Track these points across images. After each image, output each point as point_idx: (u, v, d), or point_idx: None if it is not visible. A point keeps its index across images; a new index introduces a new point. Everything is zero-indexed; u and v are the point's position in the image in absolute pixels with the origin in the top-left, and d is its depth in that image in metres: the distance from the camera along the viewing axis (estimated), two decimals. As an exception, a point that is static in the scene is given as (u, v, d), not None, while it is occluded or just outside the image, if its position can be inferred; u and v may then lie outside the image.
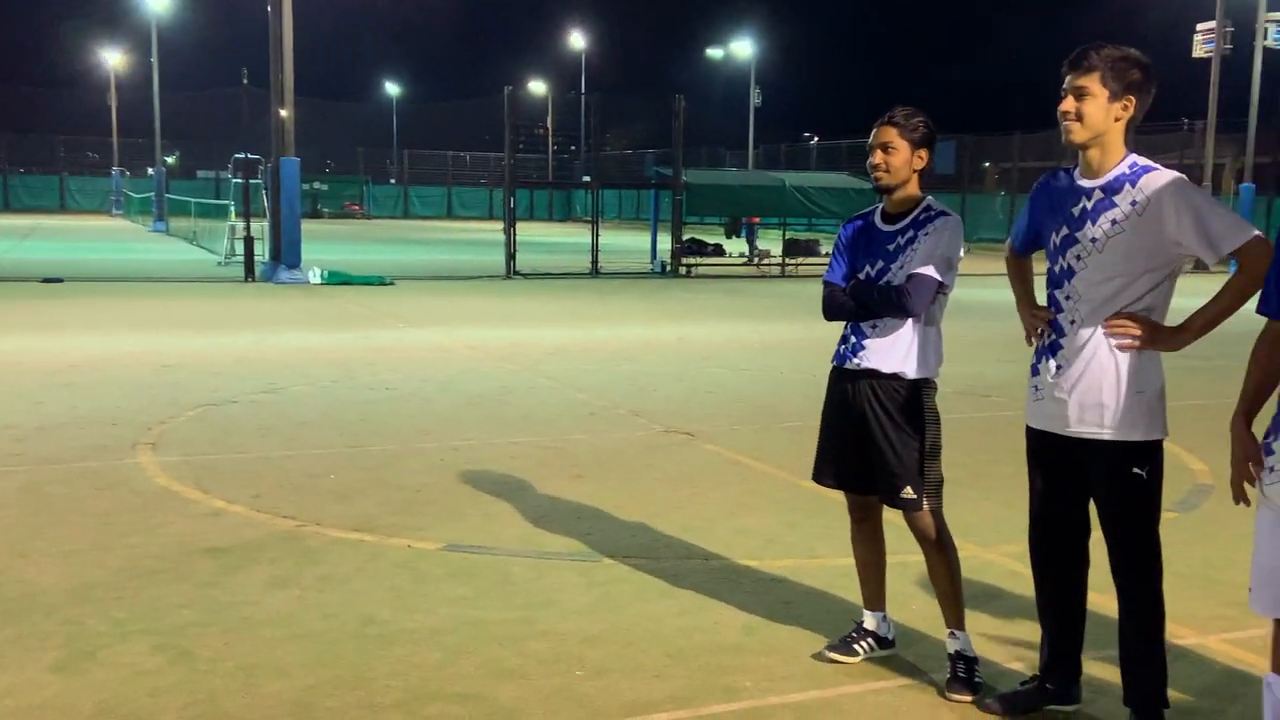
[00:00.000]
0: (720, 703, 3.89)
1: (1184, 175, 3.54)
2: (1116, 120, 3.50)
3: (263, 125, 25.86)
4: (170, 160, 57.83)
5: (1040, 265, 3.75)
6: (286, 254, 21.80)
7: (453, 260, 28.42)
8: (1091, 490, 3.64)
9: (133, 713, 3.73)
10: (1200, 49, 38.54)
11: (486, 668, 4.15)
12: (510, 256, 23.95)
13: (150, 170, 49.42)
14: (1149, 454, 3.53)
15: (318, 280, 21.31)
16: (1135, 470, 3.52)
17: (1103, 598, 4.02)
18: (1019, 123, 49.91)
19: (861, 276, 4.06)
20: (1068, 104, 3.51)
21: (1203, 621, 4.69)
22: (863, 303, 4.01)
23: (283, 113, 22.15)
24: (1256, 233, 3.41)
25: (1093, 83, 3.47)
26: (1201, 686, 4.08)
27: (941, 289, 3.95)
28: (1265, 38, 34.14)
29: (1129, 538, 3.57)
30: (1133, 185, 3.48)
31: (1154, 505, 3.58)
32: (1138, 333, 3.48)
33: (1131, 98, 3.49)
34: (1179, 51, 39.48)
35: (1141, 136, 39.45)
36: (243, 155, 26.24)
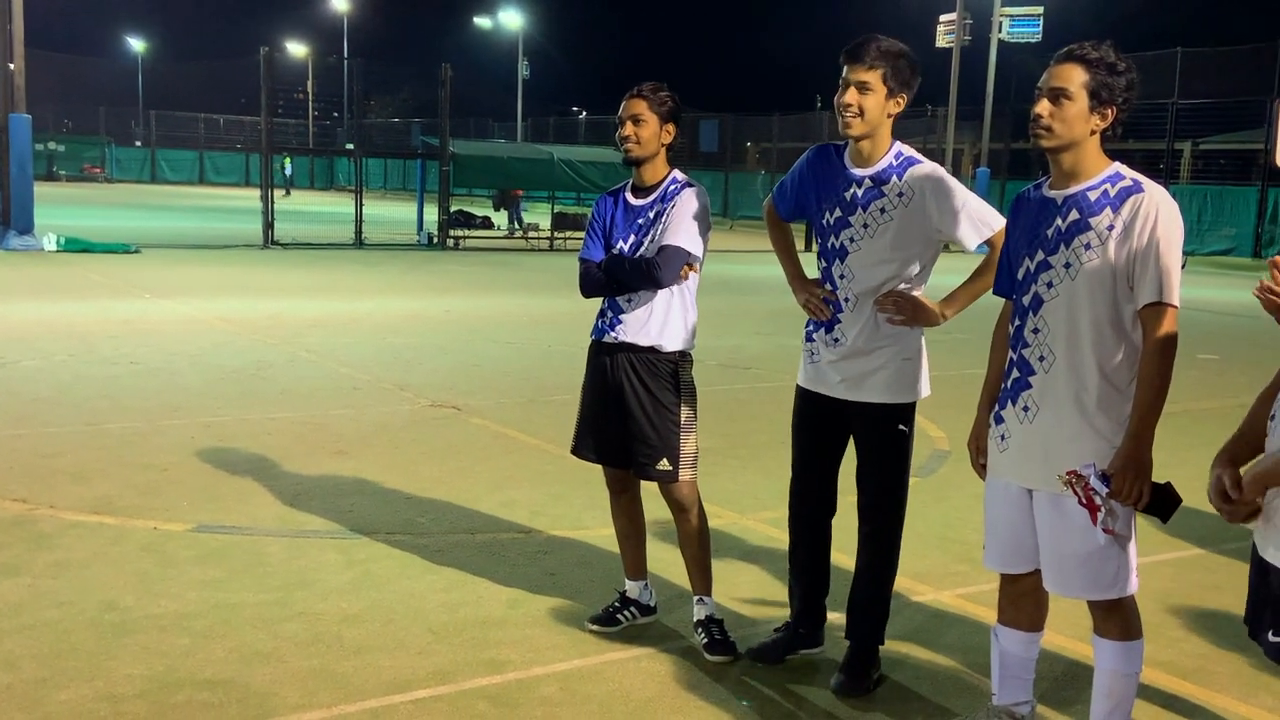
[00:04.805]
0: (484, 676, 3.87)
1: (942, 168, 3.77)
2: (889, 116, 3.69)
3: (-12, 78, 23.80)
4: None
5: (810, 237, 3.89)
6: (17, 218, 20.20)
7: (205, 228, 26.97)
8: (856, 445, 3.91)
9: None
10: (942, 39, 41.01)
11: (238, 652, 3.98)
12: (268, 225, 22.96)
13: None
14: (910, 412, 3.84)
15: (53, 247, 19.84)
16: (900, 427, 3.82)
17: (841, 555, 4.23)
18: (778, 104, 51.64)
19: (616, 251, 4.11)
20: (850, 97, 3.63)
21: (938, 578, 5.00)
22: (616, 277, 4.06)
23: (12, 65, 20.46)
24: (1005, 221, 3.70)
25: (875, 79, 3.62)
26: (930, 634, 4.35)
27: (691, 259, 4.04)
28: (1000, 30, 36.53)
29: (886, 486, 3.87)
30: (899, 178, 3.70)
31: (909, 456, 3.90)
32: (907, 310, 3.72)
33: (904, 95, 3.69)
34: (923, 41, 41.81)
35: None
36: (-35, 110, 24.09)
